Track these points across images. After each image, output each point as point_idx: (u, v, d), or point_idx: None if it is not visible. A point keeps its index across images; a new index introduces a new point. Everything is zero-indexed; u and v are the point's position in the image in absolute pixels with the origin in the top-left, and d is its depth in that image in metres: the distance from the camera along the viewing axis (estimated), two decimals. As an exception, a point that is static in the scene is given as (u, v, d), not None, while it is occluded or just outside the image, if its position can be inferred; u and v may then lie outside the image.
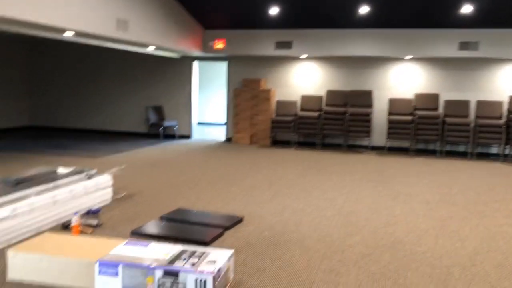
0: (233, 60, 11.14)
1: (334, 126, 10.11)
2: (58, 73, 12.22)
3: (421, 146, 10.10)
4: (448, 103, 9.77)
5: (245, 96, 10.76)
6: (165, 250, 3.20)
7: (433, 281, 3.32)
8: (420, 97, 9.98)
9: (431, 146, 10.05)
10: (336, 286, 3.20)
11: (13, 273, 3.13)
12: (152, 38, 8.14)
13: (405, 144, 10.12)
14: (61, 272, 3.05)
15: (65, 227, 4.25)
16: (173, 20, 8.87)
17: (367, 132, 9.94)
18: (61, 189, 4.51)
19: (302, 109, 10.59)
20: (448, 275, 3.43)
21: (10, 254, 3.13)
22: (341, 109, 10.14)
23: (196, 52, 10.17)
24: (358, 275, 3.39)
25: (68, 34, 6.87)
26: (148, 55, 11.36)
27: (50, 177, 4.62)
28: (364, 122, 9.94)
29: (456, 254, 3.87)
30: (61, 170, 4.97)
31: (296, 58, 10.72)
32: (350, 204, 5.44)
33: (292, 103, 10.68)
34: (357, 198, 5.76)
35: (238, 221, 4.59)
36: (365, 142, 10.37)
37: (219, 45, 10.30)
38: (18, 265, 3.12)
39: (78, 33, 6.71)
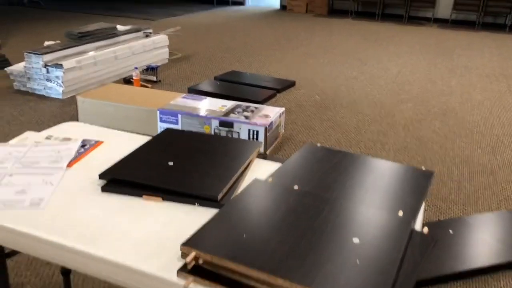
0: None
1: (396, -5, 9.46)
2: None
3: (489, 19, 9.38)
4: (529, -29, 8.77)
5: (303, -41, 10.08)
6: (221, 104, 3.36)
7: (481, 146, 3.35)
8: (497, -37, 8.99)
9: (500, 20, 9.31)
10: (383, 145, 3.31)
11: (83, 117, 3.44)
12: None
13: (471, 17, 9.42)
14: (126, 118, 3.32)
15: (127, 81, 4.49)
16: None
17: (431, 2, 9.26)
18: (121, 45, 4.68)
19: (364, -24, 9.88)
20: (498, 142, 3.44)
21: (80, 99, 3.40)
22: (406, -24, 9.37)
23: None
24: (406, 137, 3.46)
25: None
26: None
27: (111, 33, 4.76)
28: (430, -9, 9.21)
29: (509, 124, 3.82)
30: (120, 27, 5.09)
31: None
32: (405, 74, 5.33)
33: (353, -32, 9.95)
34: (413, 69, 5.61)
35: (290, 84, 4.66)
36: (428, 14, 9.74)
37: None
38: (87, 110, 3.41)
39: None
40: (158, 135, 1.39)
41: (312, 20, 9.32)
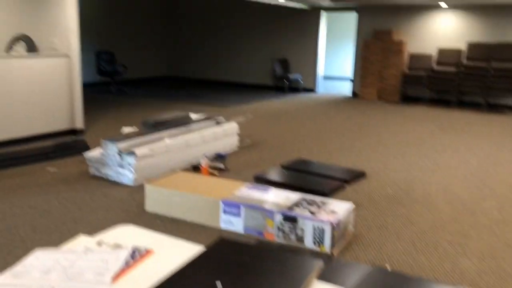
0: (363, 10, 10.60)
1: (474, 83, 9.20)
2: (193, 26, 12.84)
3: None
4: None
5: (375, 48, 10.25)
6: (285, 197, 3.26)
7: None
8: None
9: None
10: (464, 250, 2.98)
11: (150, 205, 3.47)
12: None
13: (559, 105, 8.85)
14: (190, 208, 3.29)
15: (195, 168, 4.56)
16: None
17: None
18: (192, 134, 4.82)
19: (438, 63, 9.78)
20: None
21: (148, 188, 3.45)
22: (484, 64, 9.14)
23: (325, 2, 9.86)
24: (491, 242, 3.11)
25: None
26: (275, 6, 11.34)
27: (184, 122, 4.94)
28: (509, 78, 8.87)
29: None
30: (193, 115, 5.29)
31: (433, 7, 9.83)
32: (487, 167, 4.96)
33: (426, 57, 9.91)
34: (495, 161, 5.23)
35: (360, 175, 4.48)
36: (509, 102, 9.29)
37: (350, -6, 9.84)
38: (154, 198, 3.44)
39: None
40: (210, 247, 1.29)
41: (384, 107, 9.23)
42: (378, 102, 10.03)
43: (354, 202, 3.77)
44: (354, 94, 10.92)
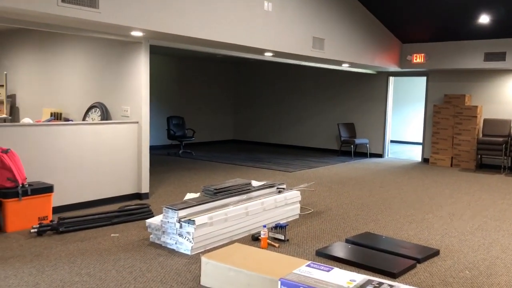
0: (433, 75, 10.33)
1: (559, 150, 8.46)
2: (258, 91, 13.14)
3: None
4: None
5: (446, 113, 9.84)
6: (349, 278, 3.00)
7: None
8: None
9: None
10: None
11: (205, 279, 3.33)
12: (347, 55, 8.07)
13: None
14: (247, 285, 3.12)
15: (255, 238, 4.40)
16: (370, 35, 8.66)
17: None
18: (253, 201, 4.71)
19: (517, 129, 9.16)
20: None
21: (204, 261, 3.34)
22: None
23: (393, 68, 9.74)
24: None
25: (268, 54, 7.27)
26: (341, 71, 11.37)
27: (245, 189, 4.87)
28: None
29: None
30: (254, 183, 5.21)
31: (509, 71, 9.38)
32: None
33: (503, 122, 9.34)
34: None
35: (433, 253, 4.10)
36: None
37: (419, 59, 9.67)
38: (210, 272, 3.31)
39: (277, 53, 7.04)
40: None
41: (458, 175, 8.67)
42: (451, 169, 9.47)
43: (427, 285, 3.41)
44: (425, 160, 10.42)
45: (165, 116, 11.43)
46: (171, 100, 11.79)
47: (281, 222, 4.93)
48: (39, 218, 4.67)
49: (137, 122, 5.98)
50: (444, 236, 4.70)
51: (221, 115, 13.30)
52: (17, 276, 3.41)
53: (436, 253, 4.13)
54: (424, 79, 12.92)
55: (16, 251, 3.96)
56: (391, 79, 10.90)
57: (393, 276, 3.56)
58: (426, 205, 6.11)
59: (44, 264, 3.66)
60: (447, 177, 8.44)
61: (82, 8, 4.21)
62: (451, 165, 9.79)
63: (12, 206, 4.49)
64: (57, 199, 5.13)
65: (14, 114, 7.85)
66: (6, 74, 7.58)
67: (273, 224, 4.64)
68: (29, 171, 4.92)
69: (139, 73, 5.89)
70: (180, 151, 10.68)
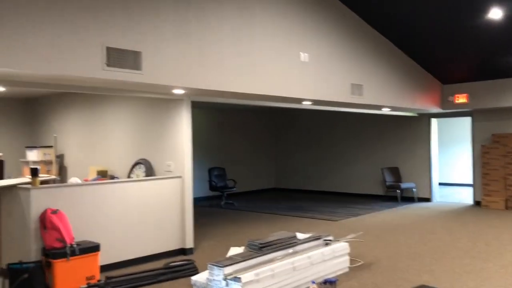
0: (478, 114, 10.03)
1: None
2: (298, 138, 13.13)
3: None
4: None
5: (496, 153, 9.45)
6: None
7: None
8: None
9: None
10: None
11: None
12: (387, 100, 7.99)
13: None
14: None
15: (303, 295, 4.23)
16: (409, 78, 8.57)
17: None
18: (300, 255, 4.57)
19: None
20: None
21: (253, 321, 3.21)
22: None
23: (434, 109, 9.54)
24: None
25: (306, 103, 7.29)
26: (382, 115, 11.23)
27: (290, 243, 4.74)
28: None
29: None
30: (300, 235, 5.07)
31: (561, 106, 8.99)
32: None
33: (559, 160, 8.84)
34: None
35: (497, 308, 3.79)
36: None
37: (461, 99, 9.44)
38: (259, 334, 3.17)
39: (315, 102, 7.05)
40: None
41: (515, 218, 8.18)
42: (506, 212, 8.97)
43: None
44: (477, 202, 9.94)
45: (206, 168, 11.54)
46: (211, 151, 11.93)
47: (330, 276, 4.74)
48: (86, 277, 4.69)
49: (181, 177, 6.04)
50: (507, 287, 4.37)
51: (262, 163, 13.31)
52: None
53: (501, 307, 3.83)
54: (468, 119, 12.56)
55: (65, 313, 3.95)
56: (434, 120, 10.65)
57: (456, 335, 3.29)
58: (483, 252, 5.75)
59: (92, 327, 3.62)
60: (503, 220, 7.97)
61: (126, 71, 4.39)
62: (506, 208, 9.28)
63: (60, 266, 4.53)
64: (104, 257, 5.15)
65: (62, 173, 8.13)
66: (55, 136, 7.92)
67: (322, 280, 4.46)
68: (76, 230, 5.00)
69: (182, 129, 6.01)
70: (222, 202, 10.67)
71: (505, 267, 5.09)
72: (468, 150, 13.51)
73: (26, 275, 4.37)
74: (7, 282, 4.45)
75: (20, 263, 4.48)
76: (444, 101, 9.68)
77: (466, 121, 13.59)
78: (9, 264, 4.47)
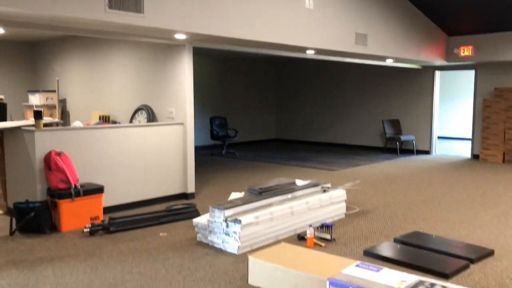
0: (482, 68, 9.93)
1: None
2: (300, 90, 13.08)
3: None
4: None
5: (498, 107, 9.44)
6: (399, 278, 2.93)
7: None
8: None
9: None
10: None
11: (253, 278, 3.35)
12: (391, 51, 7.89)
13: None
14: (294, 285, 3.11)
15: (300, 238, 4.38)
16: (414, 29, 8.43)
17: None
18: (298, 201, 4.69)
19: None
20: None
21: (251, 260, 3.35)
22: None
23: (439, 61, 9.44)
24: None
25: (310, 52, 7.22)
26: (385, 67, 11.13)
27: (289, 188, 4.86)
28: None
29: None
30: (299, 182, 5.18)
31: None
32: None
33: (560, 115, 8.86)
34: None
35: (487, 253, 3.94)
36: None
37: (466, 52, 9.32)
38: (257, 272, 3.32)
39: (319, 51, 6.98)
40: None
41: (511, 172, 8.31)
42: (503, 165, 9.08)
43: (482, 287, 3.28)
44: (475, 156, 10.04)
45: (208, 117, 11.58)
46: (213, 100, 11.92)
47: (327, 221, 4.89)
48: (91, 218, 4.84)
49: (182, 124, 6.08)
50: (498, 236, 4.51)
51: (264, 114, 13.33)
52: (72, 274, 3.55)
53: (490, 253, 3.97)
54: (472, 72, 12.44)
55: (71, 249, 4.11)
56: (437, 73, 10.57)
57: (445, 276, 3.45)
58: (478, 203, 5.89)
59: (97, 263, 3.78)
60: (500, 173, 8.09)
61: (128, 13, 4.33)
62: (503, 161, 9.39)
63: (66, 206, 4.67)
64: (107, 199, 5.29)
65: (65, 118, 8.18)
66: (58, 80, 7.91)
67: (319, 224, 4.60)
68: (80, 173, 5.11)
69: (183, 75, 5.99)
70: (224, 151, 10.78)
71: (498, 216, 5.23)
72: (467, 105, 13.47)
73: (32, 214, 4.51)
74: (14, 220, 4.60)
75: (27, 202, 4.62)
76: (449, 54, 9.57)
77: (469, 75, 13.47)
78: (16, 203, 4.61)
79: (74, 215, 4.73)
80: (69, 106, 8.19)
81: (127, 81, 6.93)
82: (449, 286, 2.83)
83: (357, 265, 3.15)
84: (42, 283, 3.37)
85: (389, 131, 10.84)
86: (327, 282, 2.93)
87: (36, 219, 4.56)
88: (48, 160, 4.76)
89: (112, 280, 3.42)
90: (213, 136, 10.70)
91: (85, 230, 4.56)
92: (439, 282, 2.89)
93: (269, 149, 11.77)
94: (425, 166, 8.95)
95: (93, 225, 4.59)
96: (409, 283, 2.86)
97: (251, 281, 3.36)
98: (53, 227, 4.69)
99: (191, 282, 3.40)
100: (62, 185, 4.72)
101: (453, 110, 14.22)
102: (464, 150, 11.35)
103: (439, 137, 14.01)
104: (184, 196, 6.14)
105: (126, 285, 3.34)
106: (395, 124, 11.02)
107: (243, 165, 9.02)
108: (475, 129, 10.05)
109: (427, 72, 10.60)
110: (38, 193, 4.82)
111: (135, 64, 6.75)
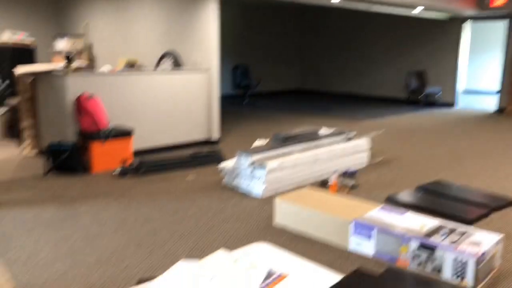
0: (516, 18, 9.57)
1: None
2: (325, 40, 12.85)
3: None
4: None
5: (528, 60, 9.17)
6: (422, 222, 3.03)
7: None
8: None
9: None
10: None
11: (279, 218, 3.49)
12: (420, -2, 7.64)
13: None
14: (319, 226, 3.24)
15: (324, 184, 4.49)
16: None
17: None
18: (322, 149, 4.77)
19: None
20: None
21: (278, 201, 3.48)
22: None
23: (469, 11, 9.12)
24: None
25: (335, 1, 7.05)
26: (411, 18, 10.81)
27: (313, 137, 4.92)
28: None
29: None
30: (323, 130, 5.24)
31: None
32: None
33: None
34: None
35: (507, 203, 4.00)
36: None
37: (499, 1, 8.97)
38: (283, 213, 3.46)
39: (346, -2, 6.82)
40: (346, 279, 1.22)
41: (538, 126, 8.18)
42: (530, 119, 8.94)
43: (502, 233, 3.36)
44: (500, 110, 9.88)
45: (230, 66, 11.54)
46: (236, 49, 11.83)
47: (350, 169, 4.97)
48: (121, 160, 5.02)
49: (208, 71, 6.11)
50: (521, 187, 4.55)
51: (286, 64, 13.21)
52: (106, 211, 3.75)
53: (510, 202, 4.02)
54: (501, 25, 12.00)
55: (103, 189, 4.31)
56: (466, 25, 10.23)
57: (467, 223, 3.53)
58: (501, 155, 5.88)
59: (129, 202, 3.97)
60: (526, 127, 7.99)
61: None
62: (530, 116, 9.23)
63: (97, 148, 4.84)
64: (136, 143, 5.45)
65: (91, 63, 8.26)
66: (87, 23, 7.88)
67: (343, 170, 4.69)
68: (110, 116, 5.25)
69: (209, 22, 5.96)
70: (245, 101, 10.81)
71: (522, 169, 5.24)
72: (497, 58, 13.09)
73: (66, 154, 4.70)
74: (48, 160, 4.80)
75: (59, 143, 4.80)
76: (481, 2, 9.22)
77: (499, 28, 13.00)
78: (50, 144, 4.79)
79: (104, 156, 4.90)
80: (96, 52, 8.26)
81: (154, 27, 6.92)
82: (470, 230, 2.91)
83: (381, 209, 3.25)
84: (80, 217, 3.58)
85: (414, 83, 10.68)
86: (352, 223, 3.05)
87: (69, 159, 4.75)
88: (78, 104, 4.90)
89: (144, 218, 3.60)
90: (235, 85, 10.70)
91: (115, 172, 4.74)
92: (461, 227, 2.97)
93: (292, 99, 11.76)
94: (449, 118, 8.87)
95: (123, 166, 4.77)
96: (431, 226, 2.96)
97: (277, 221, 3.51)
98: (85, 168, 4.89)
99: (219, 221, 3.56)
100: (92, 128, 4.87)
101: (483, 63, 13.84)
102: (490, 104, 11.15)
103: (469, 91, 13.76)
104: (209, 142, 6.27)
105: (158, 222, 3.52)
106: (420, 76, 10.84)
107: (266, 114, 9.08)
108: (504, 83, 9.82)
109: (455, 23, 10.27)
110: (69, 136, 4.99)
111: (162, 10, 6.72)
